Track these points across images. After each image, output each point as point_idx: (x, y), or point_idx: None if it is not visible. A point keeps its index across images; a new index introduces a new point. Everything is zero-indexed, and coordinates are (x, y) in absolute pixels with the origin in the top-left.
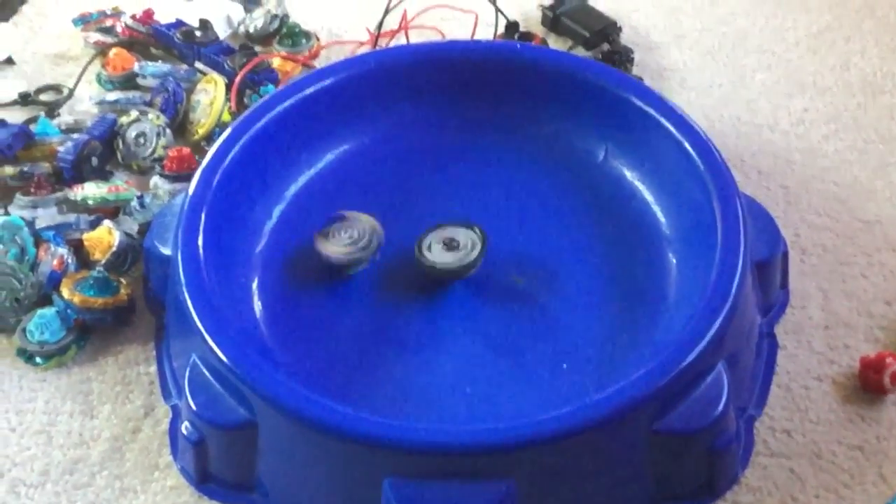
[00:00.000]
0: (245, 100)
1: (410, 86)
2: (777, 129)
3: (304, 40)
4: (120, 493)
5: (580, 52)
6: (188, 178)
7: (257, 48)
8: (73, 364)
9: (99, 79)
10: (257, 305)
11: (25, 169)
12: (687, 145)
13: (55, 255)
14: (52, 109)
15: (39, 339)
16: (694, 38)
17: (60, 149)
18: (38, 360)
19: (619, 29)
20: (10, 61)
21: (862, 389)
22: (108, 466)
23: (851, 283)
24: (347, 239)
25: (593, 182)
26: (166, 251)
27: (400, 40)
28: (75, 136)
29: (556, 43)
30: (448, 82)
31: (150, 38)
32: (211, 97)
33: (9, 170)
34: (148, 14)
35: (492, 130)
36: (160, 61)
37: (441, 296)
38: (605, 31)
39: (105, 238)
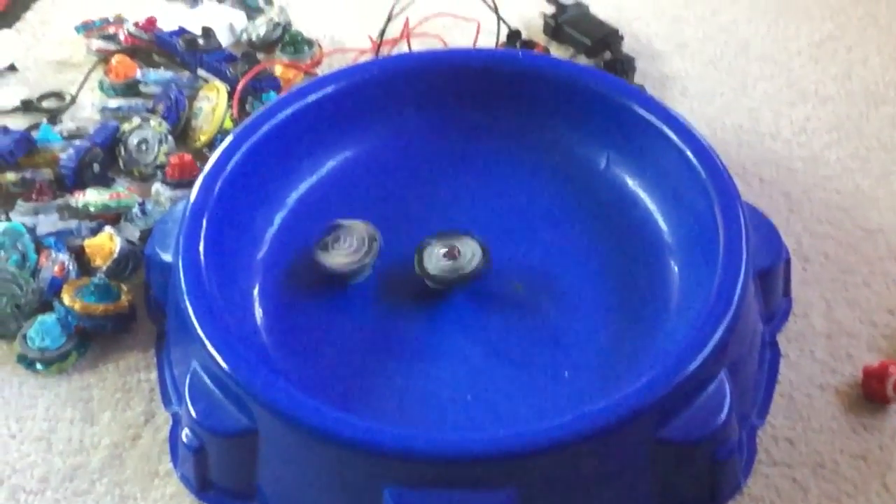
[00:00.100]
0: (247, 107)
1: (412, 94)
2: (779, 137)
3: (306, 48)
4: (120, 501)
5: (582, 60)
6: (190, 185)
7: (260, 56)
8: (74, 371)
9: (101, 86)
10: (258, 312)
11: (27, 175)
12: (689, 153)
13: (56, 262)
14: (54, 116)
15: (40, 346)
16: (696, 46)
17: (62, 155)
18: (38, 366)
19: (621, 37)
20: (12, 68)
21: (865, 398)
22: (108, 473)
23: (854, 291)
24: (347, 248)
25: (595, 190)
26: (167, 258)
27: (402, 48)
28: (77, 142)
29: (557, 51)
30: (450, 90)
31: (152, 46)
32: (213, 104)
33: (10, 176)
34: (150, 21)
35: (493, 138)
36: (162, 68)
37: (442, 303)
38: (606, 39)
39: (106, 245)
